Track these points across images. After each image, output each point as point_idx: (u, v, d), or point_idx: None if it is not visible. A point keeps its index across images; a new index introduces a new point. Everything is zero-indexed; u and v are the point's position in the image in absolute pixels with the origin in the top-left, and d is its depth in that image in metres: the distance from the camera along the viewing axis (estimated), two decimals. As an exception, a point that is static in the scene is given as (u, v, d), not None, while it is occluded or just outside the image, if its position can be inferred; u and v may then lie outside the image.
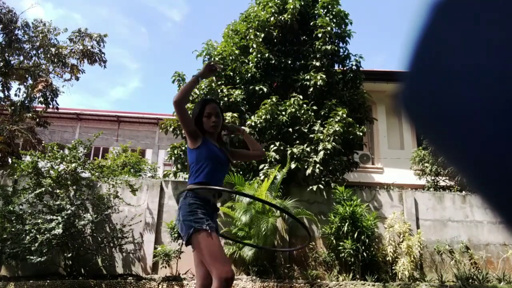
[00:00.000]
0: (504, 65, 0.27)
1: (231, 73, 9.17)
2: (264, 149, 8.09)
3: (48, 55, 9.29)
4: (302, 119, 8.26)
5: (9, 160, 8.90)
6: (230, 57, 9.14)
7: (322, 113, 8.45)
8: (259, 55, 8.91)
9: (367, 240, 7.04)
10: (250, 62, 9.01)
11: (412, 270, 7.08)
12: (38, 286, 6.23)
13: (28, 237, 6.24)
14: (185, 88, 2.50)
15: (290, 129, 8.27)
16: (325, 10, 9.31)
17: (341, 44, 9.55)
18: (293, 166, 7.67)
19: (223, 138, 2.83)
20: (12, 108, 9.13)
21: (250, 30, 9.32)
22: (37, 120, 9.65)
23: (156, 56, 61.39)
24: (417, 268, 7.37)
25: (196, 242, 2.27)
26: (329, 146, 7.69)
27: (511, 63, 0.27)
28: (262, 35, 9.11)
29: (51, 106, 9.23)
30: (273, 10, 9.16)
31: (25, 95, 9.23)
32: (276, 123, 8.11)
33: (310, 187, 7.87)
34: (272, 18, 9.12)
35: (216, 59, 9.14)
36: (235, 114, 8.19)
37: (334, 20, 9.16)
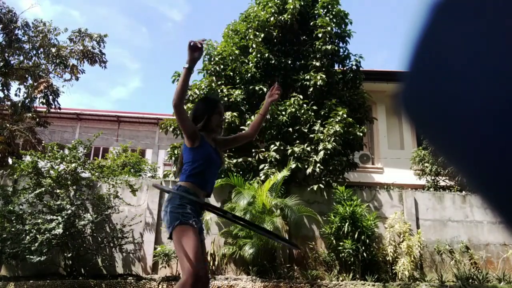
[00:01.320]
0: (504, 65, 0.27)
1: (231, 73, 9.17)
2: (264, 149, 8.13)
3: (49, 56, 9.29)
4: (302, 119, 8.26)
5: (9, 160, 8.91)
6: (230, 57, 9.13)
7: (322, 113, 8.45)
8: (259, 55, 8.91)
9: (367, 240, 7.04)
10: (250, 62, 9.01)
11: (412, 270, 7.08)
12: (38, 286, 6.23)
13: (28, 237, 6.24)
14: (180, 84, 2.36)
15: (290, 129, 8.27)
16: (325, 10, 9.31)
17: (341, 44, 9.55)
18: (293, 165, 7.67)
19: (217, 135, 2.78)
20: (12, 108, 9.13)
21: (250, 30, 9.32)
22: (37, 120, 9.65)
23: (157, 56, 61.41)
24: (417, 268, 7.37)
25: (178, 234, 2.26)
26: (329, 146, 7.69)
27: (511, 63, 0.27)
28: (262, 35, 9.11)
29: (53, 106, 9.24)
30: (273, 10, 9.16)
31: (25, 95, 9.23)
32: (276, 123, 8.12)
33: (310, 187, 7.87)
34: (272, 18, 9.12)
35: (216, 59, 9.14)
36: (235, 114, 8.19)
37: (334, 20, 9.16)
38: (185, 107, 2.79)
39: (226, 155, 8.06)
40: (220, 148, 2.75)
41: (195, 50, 2.41)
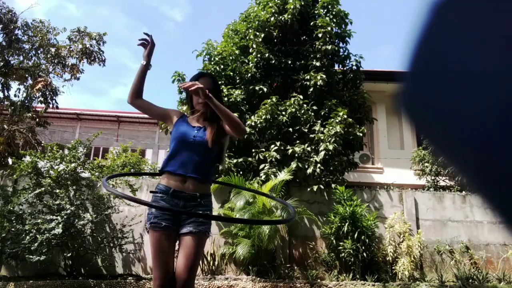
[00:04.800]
0: (504, 65, 0.27)
1: (231, 73, 9.17)
2: (264, 149, 8.11)
3: (48, 55, 9.29)
4: (302, 119, 8.26)
5: (9, 161, 8.90)
6: (230, 57, 9.13)
7: (322, 113, 8.45)
8: (259, 55, 8.91)
9: (367, 240, 7.04)
10: (250, 62, 9.01)
11: (412, 270, 7.08)
12: (38, 286, 6.23)
13: (28, 237, 6.24)
14: (134, 81, 2.37)
15: (290, 129, 8.27)
16: (325, 10, 9.31)
17: (341, 44, 9.55)
18: (294, 165, 7.67)
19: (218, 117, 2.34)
20: (12, 108, 9.12)
21: (250, 30, 9.32)
22: (37, 120, 9.65)
23: (157, 56, 61.43)
24: (417, 268, 7.37)
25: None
26: (330, 147, 7.69)
27: (510, 63, 0.27)
28: (262, 35, 9.11)
29: (51, 105, 9.23)
30: (273, 10, 9.15)
31: (25, 94, 9.22)
32: (276, 123, 8.11)
33: (311, 187, 7.87)
34: (272, 18, 9.12)
35: (216, 59, 9.14)
36: (235, 114, 8.19)
37: (334, 20, 9.16)
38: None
39: (226, 155, 8.04)
40: (217, 130, 2.34)
41: (144, 47, 2.45)
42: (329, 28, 8.78)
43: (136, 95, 2.35)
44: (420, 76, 0.34)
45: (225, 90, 8.62)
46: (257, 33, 9.15)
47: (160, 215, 2.20)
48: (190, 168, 2.25)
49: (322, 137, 7.89)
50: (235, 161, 7.99)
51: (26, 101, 9.15)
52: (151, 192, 2.34)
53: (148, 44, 2.44)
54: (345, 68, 9.58)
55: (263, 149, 8.24)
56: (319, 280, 6.96)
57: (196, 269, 2.18)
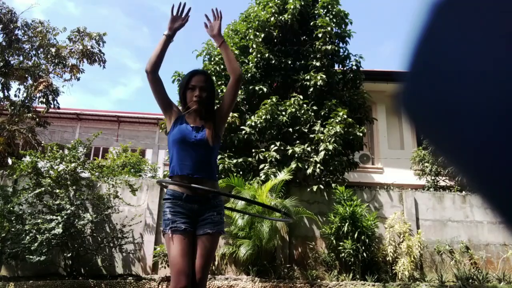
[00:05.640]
0: (504, 65, 0.27)
1: (231, 73, 9.17)
2: (264, 149, 8.10)
3: (48, 55, 9.29)
4: (302, 119, 8.26)
5: (9, 161, 8.90)
6: (230, 57, 9.12)
7: (322, 113, 8.45)
8: (259, 55, 8.91)
9: (367, 240, 7.04)
10: (250, 62, 9.01)
11: (412, 270, 7.08)
12: (38, 286, 6.23)
13: (28, 237, 6.24)
14: (154, 50, 2.28)
15: (290, 129, 8.27)
16: (325, 10, 9.31)
17: (341, 44, 9.56)
18: (294, 165, 7.67)
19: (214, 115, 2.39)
20: (12, 108, 9.12)
21: (250, 30, 9.32)
22: (37, 120, 9.64)
23: (156, 56, 61.42)
24: (417, 268, 7.37)
25: (165, 243, 2.24)
26: (330, 147, 7.69)
27: (510, 63, 0.27)
28: (262, 35, 9.11)
29: (52, 106, 9.23)
30: (273, 10, 9.15)
31: (25, 94, 9.22)
32: (276, 123, 8.11)
33: (310, 187, 7.87)
34: (272, 18, 9.12)
35: (216, 59, 9.13)
36: (235, 114, 8.19)
37: (334, 20, 9.16)
38: None
39: (226, 155, 8.05)
40: (217, 121, 2.36)
41: (175, 20, 2.38)
42: (329, 28, 8.78)
43: (156, 66, 2.31)
44: (420, 76, 0.34)
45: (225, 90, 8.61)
46: (257, 33, 9.15)
47: (178, 219, 2.18)
48: (197, 171, 2.22)
49: (322, 137, 7.89)
50: (234, 161, 7.99)
51: (26, 101, 9.15)
52: (164, 199, 2.31)
53: (182, 18, 2.39)
54: (345, 68, 9.58)
55: (263, 149, 8.24)
56: (319, 280, 6.96)
57: (209, 267, 2.22)
